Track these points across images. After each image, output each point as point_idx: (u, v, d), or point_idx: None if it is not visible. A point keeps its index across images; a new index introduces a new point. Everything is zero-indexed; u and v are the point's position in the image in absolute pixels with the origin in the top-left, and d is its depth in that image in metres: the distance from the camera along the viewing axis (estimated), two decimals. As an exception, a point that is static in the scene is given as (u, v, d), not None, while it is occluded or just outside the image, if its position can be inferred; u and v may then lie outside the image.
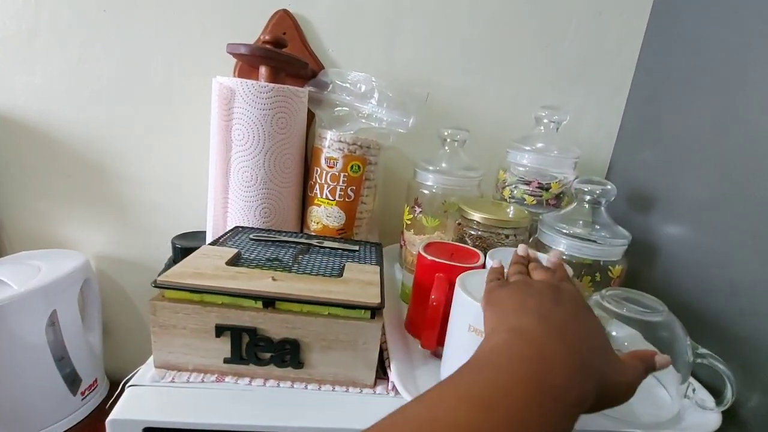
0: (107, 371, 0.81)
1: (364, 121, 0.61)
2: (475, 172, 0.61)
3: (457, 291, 0.40)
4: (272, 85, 0.55)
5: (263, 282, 0.40)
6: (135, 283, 0.81)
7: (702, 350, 0.41)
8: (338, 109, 0.63)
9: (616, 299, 0.43)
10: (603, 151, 0.72)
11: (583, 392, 0.22)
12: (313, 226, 0.64)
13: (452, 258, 0.50)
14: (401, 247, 0.67)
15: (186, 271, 0.40)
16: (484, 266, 0.48)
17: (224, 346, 0.39)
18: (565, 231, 0.51)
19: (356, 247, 0.54)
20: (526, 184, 0.61)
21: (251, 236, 0.54)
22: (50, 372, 0.66)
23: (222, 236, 0.53)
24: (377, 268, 0.48)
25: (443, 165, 0.61)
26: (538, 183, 0.60)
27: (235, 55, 0.57)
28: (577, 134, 0.71)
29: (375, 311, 0.40)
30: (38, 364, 0.65)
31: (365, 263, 0.50)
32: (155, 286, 0.38)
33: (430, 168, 0.60)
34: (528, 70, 0.70)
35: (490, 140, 0.70)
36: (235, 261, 0.45)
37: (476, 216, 0.53)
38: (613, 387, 0.25)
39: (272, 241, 0.53)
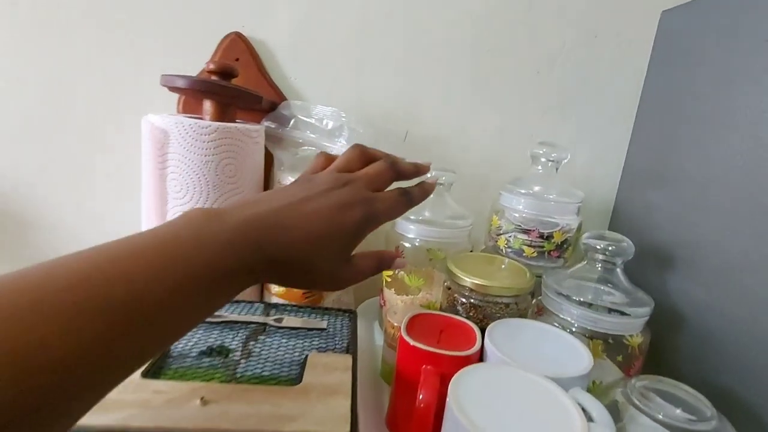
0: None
1: (332, 163, 0.52)
2: (465, 220, 0.52)
3: (450, 407, 0.30)
4: (215, 124, 0.45)
5: (187, 409, 0.29)
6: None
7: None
8: (302, 149, 0.54)
9: (647, 394, 0.35)
10: (604, 193, 0.64)
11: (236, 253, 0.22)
12: (275, 289, 0.53)
13: (442, 337, 0.41)
14: (381, 306, 0.57)
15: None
16: (481, 354, 0.39)
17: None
18: (575, 298, 0.42)
19: (324, 324, 0.44)
20: (525, 233, 0.52)
21: (190, 315, 0.43)
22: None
23: (153, 316, 0.42)
24: (349, 361, 0.38)
25: (426, 213, 0.51)
26: (539, 232, 0.51)
27: (172, 89, 0.47)
28: (573, 172, 0.63)
29: (343, 440, 0.29)
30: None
31: (334, 350, 0.40)
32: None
33: (411, 217, 0.51)
34: (518, 100, 0.62)
35: (478, 181, 0.62)
36: (158, 365, 0.34)
37: (468, 282, 0.43)
38: (309, 277, 0.26)
39: (217, 322, 0.42)
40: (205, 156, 0.45)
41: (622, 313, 0.41)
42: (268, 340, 0.41)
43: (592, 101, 0.62)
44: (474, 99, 0.62)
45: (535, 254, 0.52)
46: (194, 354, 0.37)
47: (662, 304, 0.43)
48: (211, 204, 0.46)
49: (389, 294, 0.56)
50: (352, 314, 0.48)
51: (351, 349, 0.40)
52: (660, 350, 0.47)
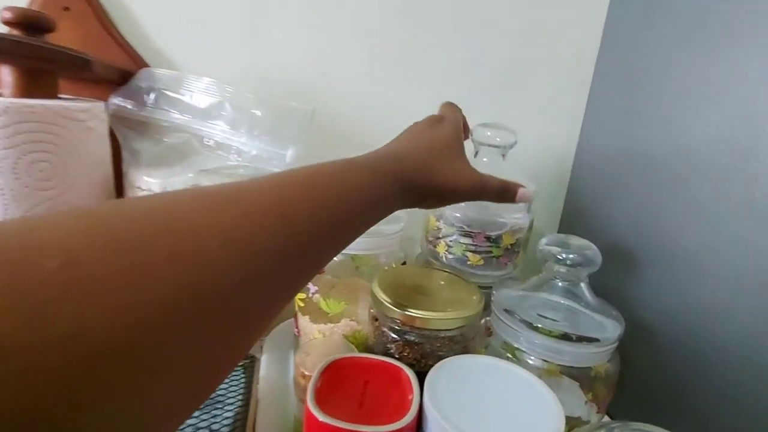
0: None
1: (210, 155, 0.38)
2: (394, 224, 0.41)
3: None
4: (6, 101, 0.29)
5: None
6: None
7: None
8: (170, 137, 0.39)
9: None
10: (554, 182, 0.56)
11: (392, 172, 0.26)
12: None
13: (367, 394, 0.30)
14: (295, 335, 0.45)
15: None
16: (419, 416, 0.28)
17: None
18: (532, 324, 0.33)
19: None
20: (468, 236, 0.42)
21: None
22: None
23: None
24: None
25: (346, 219, 0.39)
26: (486, 236, 0.42)
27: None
28: (516, 157, 0.54)
29: None
30: None
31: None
32: None
33: (327, 225, 0.39)
34: (452, 72, 0.52)
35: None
36: None
37: (399, 313, 0.32)
38: (435, 180, 0.28)
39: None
40: (-6, 150, 0.29)
41: (590, 339, 0.33)
42: None
43: (538, 71, 0.53)
44: (402, 69, 0.50)
45: (482, 262, 0.43)
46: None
47: (627, 316, 0.35)
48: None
49: (304, 322, 0.43)
50: (248, 362, 0.36)
51: (237, 431, 0.28)
52: (625, 371, 0.40)
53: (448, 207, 0.43)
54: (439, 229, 0.44)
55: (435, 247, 0.45)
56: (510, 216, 0.43)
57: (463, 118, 0.36)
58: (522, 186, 0.32)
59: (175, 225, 0.14)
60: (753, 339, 0.32)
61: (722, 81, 0.35)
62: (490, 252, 0.42)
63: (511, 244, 0.43)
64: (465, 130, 0.36)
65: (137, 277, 0.12)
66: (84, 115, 0.33)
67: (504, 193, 0.32)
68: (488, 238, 0.42)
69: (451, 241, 0.43)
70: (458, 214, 0.43)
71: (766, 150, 0.31)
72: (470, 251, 0.42)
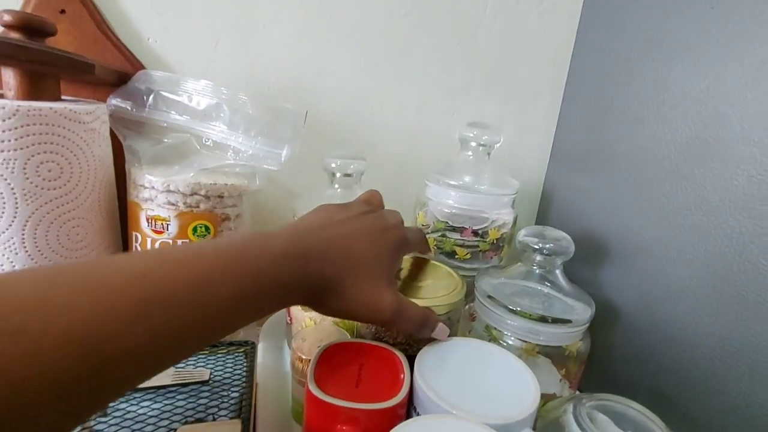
0: None
1: (209, 154, 0.40)
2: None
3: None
4: (14, 103, 0.30)
5: None
6: None
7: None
8: (170, 137, 0.40)
9: (596, 418, 0.30)
10: (532, 178, 0.59)
11: (300, 277, 0.23)
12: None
13: (362, 375, 0.32)
14: (288, 323, 0.48)
15: None
16: (410, 393, 0.31)
17: None
18: (512, 308, 0.37)
19: (205, 374, 0.33)
20: (456, 231, 0.45)
21: None
22: None
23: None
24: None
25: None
26: (473, 230, 0.45)
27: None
28: (497, 155, 0.57)
29: None
30: None
31: (219, 412, 0.30)
32: None
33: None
34: (436, 75, 0.54)
35: (396, 167, 0.53)
36: None
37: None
38: (351, 299, 0.26)
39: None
40: (5, 152, 0.30)
41: (564, 321, 0.36)
42: (120, 408, 0.29)
43: (517, 75, 0.56)
44: (390, 72, 0.52)
45: (469, 256, 0.45)
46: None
47: (596, 299, 0.39)
48: (25, 221, 0.32)
49: (295, 310, 0.46)
50: (248, 347, 0.38)
51: (244, 409, 0.30)
52: (594, 349, 0.43)
53: (433, 199, 0.46)
54: (427, 226, 0.47)
55: (423, 240, 0.47)
56: (498, 213, 0.46)
57: (423, 234, 0.34)
58: (441, 321, 0.31)
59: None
60: (703, 318, 0.36)
61: (680, 88, 0.38)
62: (477, 246, 0.45)
63: (497, 239, 0.46)
64: (424, 246, 0.34)
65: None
66: (88, 117, 0.34)
67: (424, 325, 0.30)
68: (475, 233, 0.45)
69: (440, 235, 0.46)
70: (446, 210, 0.45)
71: (716, 152, 0.35)
72: (458, 246, 0.45)
